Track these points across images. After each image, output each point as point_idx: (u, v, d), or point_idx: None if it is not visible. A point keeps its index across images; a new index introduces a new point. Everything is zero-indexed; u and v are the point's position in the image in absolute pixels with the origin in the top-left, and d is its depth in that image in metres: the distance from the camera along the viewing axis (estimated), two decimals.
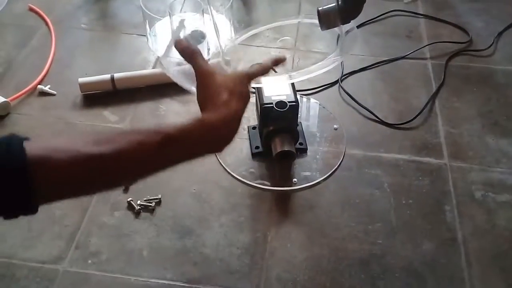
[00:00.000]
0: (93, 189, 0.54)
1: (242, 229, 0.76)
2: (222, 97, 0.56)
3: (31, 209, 0.45)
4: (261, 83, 0.81)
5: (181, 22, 0.79)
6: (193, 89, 0.61)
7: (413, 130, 0.91)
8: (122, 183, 0.58)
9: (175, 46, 0.60)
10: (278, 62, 0.65)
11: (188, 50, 0.59)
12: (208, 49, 1.05)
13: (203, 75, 0.58)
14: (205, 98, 0.58)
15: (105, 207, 0.78)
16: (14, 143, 0.44)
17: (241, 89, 0.58)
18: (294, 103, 0.80)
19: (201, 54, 0.59)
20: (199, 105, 0.58)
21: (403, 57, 1.07)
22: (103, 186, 0.53)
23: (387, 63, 1.06)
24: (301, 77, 0.74)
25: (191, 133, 0.53)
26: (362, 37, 1.13)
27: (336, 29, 0.77)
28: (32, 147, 0.44)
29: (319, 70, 0.72)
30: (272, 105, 0.79)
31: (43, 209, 0.72)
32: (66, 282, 0.70)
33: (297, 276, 0.70)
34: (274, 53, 0.82)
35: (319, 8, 0.74)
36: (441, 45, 1.09)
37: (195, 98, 0.97)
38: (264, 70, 0.63)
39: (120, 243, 0.74)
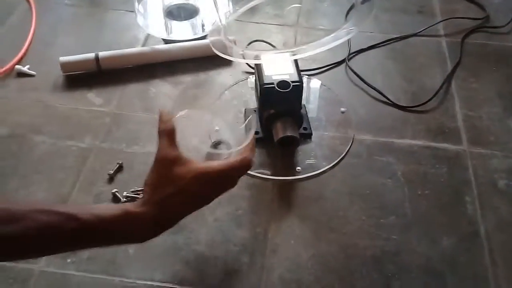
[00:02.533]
0: None
1: (240, 224, 0.68)
2: (164, 191, 0.52)
3: None
4: (261, 60, 0.73)
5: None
6: None
7: (427, 113, 0.83)
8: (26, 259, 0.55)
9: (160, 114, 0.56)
10: (253, 152, 0.60)
11: (163, 123, 0.55)
12: (203, 26, 0.96)
13: (160, 160, 0.53)
14: (147, 184, 0.53)
15: (87, 199, 0.70)
16: None
17: (191, 188, 0.52)
18: (298, 83, 0.71)
19: (171, 136, 0.54)
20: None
21: (415, 34, 0.98)
22: (3, 260, 0.51)
23: (398, 40, 0.97)
24: (310, 52, 0.66)
25: (111, 224, 0.49)
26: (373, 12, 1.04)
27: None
28: None
29: (331, 43, 0.64)
30: (273, 85, 0.71)
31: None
32: (42, 283, 0.62)
33: (301, 276, 0.63)
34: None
35: None
36: (456, 21, 1.01)
37: (187, 79, 0.89)
38: (236, 169, 0.56)
39: None
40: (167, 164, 0.53)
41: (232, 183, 0.58)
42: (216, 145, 0.63)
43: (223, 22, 0.76)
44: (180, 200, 0.52)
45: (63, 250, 0.52)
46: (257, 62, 0.73)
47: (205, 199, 0.55)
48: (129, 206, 0.52)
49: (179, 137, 0.56)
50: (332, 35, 0.62)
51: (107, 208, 0.51)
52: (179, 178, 0.52)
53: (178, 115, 0.60)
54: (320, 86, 0.88)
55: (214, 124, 0.65)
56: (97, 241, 0.51)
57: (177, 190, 0.52)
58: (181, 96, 0.86)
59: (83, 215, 0.48)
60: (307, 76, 0.89)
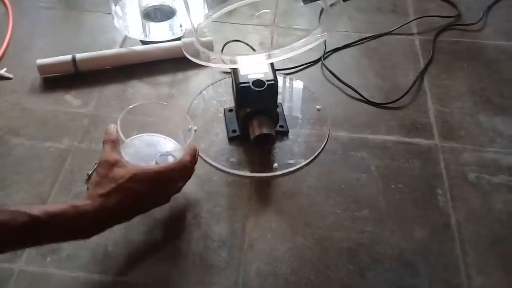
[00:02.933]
0: None
1: (218, 220, 0.69)
2: (105, 187, 0.58)
3: None
4: (237, 63, 0.74)
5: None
6: None
7: (401, 110, 0.85)
8: None
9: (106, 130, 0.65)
10: (194, 156, 0.66)
11: (107, 134, 0.64)
12: (180, 26, 0.97)
13: (102, 163, 0.61)
14: (91, 183, 0.60)
15: (66, 199, 0.71)
16: None
17: (132, 185, 0.58)
18: (272, 82, 0.73)
19: (113, 144, 0.63)
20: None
21: (388, 33, 1.00)
22: None
23: (372, 39, 0.99)
24: (282, 56, 0.67)
25: (61, 218, 0.54)
26: (346, 13, 1.06)
27: (319, 2, 0.71)
28: None
29: (303, 47, 0.66)
30: (248, 84, 0.72)
31: None
32: (23, 282, 0.62)
33: (279, 269, 0.64)
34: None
35: None
36: (429, 20, 1.03)
37: (165, 79, 0.91)
38: (175, 171, 0.62)
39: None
40: (108, 165, 0.60)
41: (174, 187, 0.64)
42: (163, 156, 0.67)
43: (195, 26, 0.77)
44: (120, 197, 0.58)
45: (17, 245, 0.54)
46: (232, 66, 0.74)
47: (145, 198, 0.60)
48: (75, 202, 0.57)
49: (129, 158, 0.62)
50: (303, 39, 0.63)
51: (57, 204, 0.56)
52: (119, 177, 0.58)
53: (128, 139, 0.66)
54: (297, 85, 0.90)
55: (164, 145, 0.69)
56: (47, 235, 0.54)
57: (117, 186, 0.58)
58: (159, 96, 0.87)
59: (33, 210, 0.53)
60: (284, 76, 0.91)
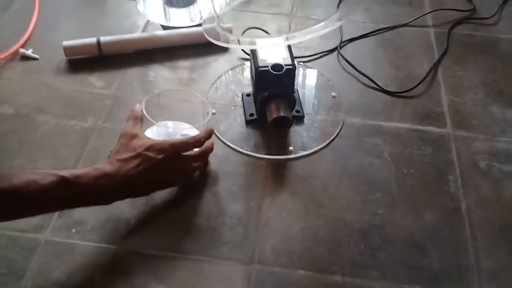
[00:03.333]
0: None
1: (235, 199, 0.72)
2: (125, 154, 0.64)
3: None
4: (256, 46, 0.76)
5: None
6: None
7: (414, 99, 0.87)
8: (17, 217, 0.60)
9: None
10: (210, 135, 0.71)
11: (132, 112, 0.71)
12: (200, 13, 1.00)
13: (123, 134, 0.67)
14: (112, 152, 0.66)
15: None
16: None
17: (148, 153, 0.64)
18: (291, 66, 0.75)
19: (136, 121, 0.69)
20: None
21: (404, 25, 1.02)
22: None
23: (388, 30, 1.01)
24: (300, 38, 0.70)
25: (85, 178, 0.59)
26: (363, 3, 1.08)
27: None
28: None
29: (320, 31, 0.68)
30: (267, 68, 0.74)
31: None
32: (48, 252, 0.65)
33: (293, 247, 0.67)
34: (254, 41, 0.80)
35: None
36: (444, 13, 1.05)
37: (186, 64, 0.96)
38: (189, 144, 0.68)
39: (106, 212, 0.69)
40: (128, 137, 0.66)
41: (189, 164, 0.69)
42: (182, 135, 0.72)
43: (218, 12, 0.79)
44: (138, 162, 0.63)
45: (48, 205, 0.58)
46: (251, 47, 0.76)
47: (161, 168, 0.65)
48: (97, 165, 0.63)
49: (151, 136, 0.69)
50: (321, 23, 0.66)
51: (81, 168, 0.63)
52: (138, 146, 0.64)
53: (155, 123, 0.71)
54: (313, 72, 0.92)
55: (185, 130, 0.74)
56: (73, 196, 0.59)
57: (135, 154, 0.64)
58: (179, 80, 0.89)
59: (61, 172, 0.58)
60: (302, 63, 0.93)
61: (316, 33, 0.70)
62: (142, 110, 0.69)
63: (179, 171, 0.69)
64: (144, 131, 0.71)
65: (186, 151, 0.68)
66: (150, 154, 0.64)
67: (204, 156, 0.72)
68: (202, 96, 0.85)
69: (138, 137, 0.66)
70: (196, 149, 0.70)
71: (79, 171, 0.60)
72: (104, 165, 0.63)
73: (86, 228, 0.68)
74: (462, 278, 0.64)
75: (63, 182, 0.57)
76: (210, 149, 0.72)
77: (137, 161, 0.63)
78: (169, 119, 0.76)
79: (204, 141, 0.70)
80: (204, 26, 0.86)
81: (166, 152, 0.65)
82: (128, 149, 0.65)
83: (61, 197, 0.58)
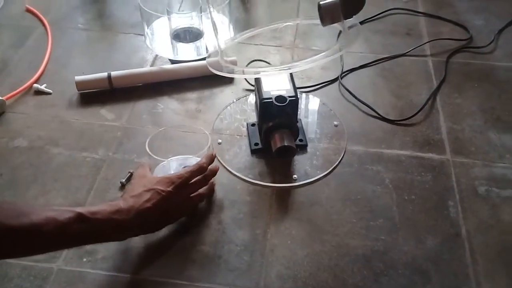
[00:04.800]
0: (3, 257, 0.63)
1: (241, 226, 0.74)
2: (136, 191, 0.67)
3: None
4: (260, 75, 0.80)
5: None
6: None
7: (414, 126, 0.90)
8: (36, 253, 0.64)
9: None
10: (212, 160, 0.75)
11: (140, 163, 0.78)
12: (206, 48, 1.04)
13: (134, 177, 0.73)
14: (125, 191, 0.72)
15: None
16: None
17: (158, 187, 0.67)
18: (294, 98, 0.78)
19: (144, 165, 0.76)
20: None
21: (403, 54, 1.06)
22: (15, 255, 0.62)
23: (387, 60, 1.05)
24: (303, 67, 0.73)
25: (101, 214, 0.62)
26: (362, 35, 1.12)
27: (337, 25, 0.76)
28: None
29: (321, 60, 0.72)
30: (271, 99, 0.78)
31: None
32: (61, 280, 0.68)
33: (298, 272, 0.69)
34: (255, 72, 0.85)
35: (321, 3, 0.72)
36: (442, 42, 1.09)
37: (193, 96, 1.00)
38: (194, 171, 0.71)
39: (116, 242, 0.72)
40: (139, 177, 0.72)
41: (194, 191, 0.73)
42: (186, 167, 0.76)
43: (222, 46, 0.83)
44: (149, 197, 0.66)
45: (65, 241, 0.61)
46: (254, 76, 0.80)
47: (170, 200, 0.68)
48: (111, 202, 0.66)
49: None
50: (322, 54, 0.69)
51: (96, 205, 0.64)
52: (147, 182, 0.69)
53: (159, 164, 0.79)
54: (316, 102, 0.95)
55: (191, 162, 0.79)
56: (91, 231, 0.61)
57: (147, 189, 0.67)
58: (187, 111, 0.93)
59: (77, 208, 0.61)
60: (304, 93, 0.96)
61: (316, 63, 0.74)
62: (147, 149, 0.76)
63: (189, 200, 0.72)
64: (153, 171, 0.76)
65: (192, 178, 0.71)
66: (160, 187, 0.68)
67: (207, 179, 0.74)
68: (209, 126, 0.88)
69: (147, 176, 0.72)
70: None
71: (94, 208, 0.63)
72: (118, 202, 0.66)
73: (97, 257, 0.70)
74: None
75: (80, 218, 0.60)
76: (214, 172, 0.75)
77: (148, 195, 0.67)
78: (177, 151, 0.80)
79: (207, 166, 0.74)
80: (208, 60, 0.90)
81: (174, 183, 0.69)
82: (139, 185, 0.69)
83: (78, 233, 0.60)
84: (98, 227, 0.62)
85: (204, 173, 0.73)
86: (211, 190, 0.77)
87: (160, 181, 0.69)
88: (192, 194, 0.72)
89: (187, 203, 0.72)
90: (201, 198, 0.75)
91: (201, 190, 0.74)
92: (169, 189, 0.68)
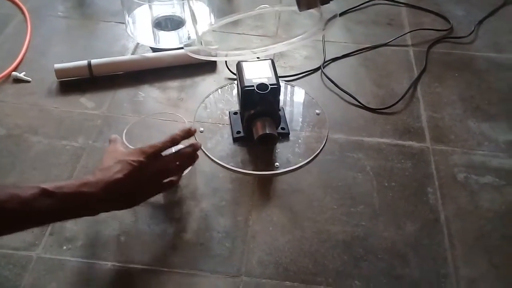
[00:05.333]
0: None
1: (223, 214, 0.74)
2: (106, 164, 0.64)
3: None
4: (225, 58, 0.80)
5: None
6: None
7: (395, 115, 0.91)
8: (4, 233, 0.60)
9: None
10: (189, 134, 0.70)
11: (111, 138, 0.72)
12: (188, 35, 1.03)
13: (106, 152, 0.69)
14: (96, 167, 0.66)
15: None
16: None
17: (129, 158, 0.64)
18: (275, 86, 0.78)
19: (114, 141, 0.71)
20: None
21: (385, 44, 1.06)
22: None
23: (369, 50, 1.05)
24: (280, 48, 0.73)
25: (67, 187, 0.59)
26: (344, 25, 1.12)
27: (314, 11, 0.76)
28: None
29: (299, 42, 0.72)
30: (253, 87, 0.78)
31: None
32: (40, 268, 0.67)
33: (279, 258, 0.69)
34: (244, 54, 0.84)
35: None
36: (423, 33, 1.10)
37: (174, 84, 0.99)
38: (166, 142, 0.68)
39: (97, 229, 0.71)
40: (110, 152, 0.68)
41: (172, 163, 0.69)
42: None
43: (199, 33, 0.83)
44: (119, 169, 0.63)
45: (30, 218, 0.58)
46: (231, 58, 0.80)
47: (143, 171, 0.65)
48: (82, 178, 0.63)
49: None
50: (298, 36, 0.69)
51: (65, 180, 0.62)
52: (119, 155, 0.66)
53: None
54: (298, 91, 0.95)
55: None
56: (56, 206, 0.58)
57: (117, 161, 0.64)
58: (168, 100, 0.92)
59: (43, 184, 0.58)
60: (286, 82, 0.96)
61: (293, 45, 0.74)
62: (123, 139, 0.73)
63: (162, 172, 0.68)
64: None
65: (164, 149, 0.68)
66: (131, 158, 0.64)
67: (183, 155, 0.70)
68: (191, 115, 0.88)
69: (119, 150, 0.68)
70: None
71: (61, 182, 0.60)
72: (87, 176, 0.63)
73: (76, 245, 0.70)
74: (442, 286, 0.67)
75: (45, 193, 0.57)
76: (194, 148, 0.71)
77: (119, 166, 0.63)
78: (157, 140, 0.78)
79: (180, 139, 0.69)
80: (187, 47, 0.89)
81: (146, 153, 0.65)
82: (110, 159, 0.65)
83: (44, 209, 0.58)
84: (64, 202, 0.59)
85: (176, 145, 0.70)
86: (191, 160, 0.72)
87: (132, 152, 0.66)
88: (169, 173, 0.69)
89: (161, 176, 0.68)
90: (176, 171, 0.71)
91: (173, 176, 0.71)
92: (141, 158, 0.64)
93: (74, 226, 0.72)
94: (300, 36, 0.70)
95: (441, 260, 0.69)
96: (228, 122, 0.88)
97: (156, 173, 0.67)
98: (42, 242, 0.70)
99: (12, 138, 0.84)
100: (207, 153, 0.82)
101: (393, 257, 0.70)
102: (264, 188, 0.78)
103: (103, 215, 0.72)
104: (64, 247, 0.69)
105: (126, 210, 0.72)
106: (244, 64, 0.82)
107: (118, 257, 0.68)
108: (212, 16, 1.03)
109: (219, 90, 0.95)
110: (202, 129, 0.86)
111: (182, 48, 0.99)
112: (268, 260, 0.69)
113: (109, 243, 0.70)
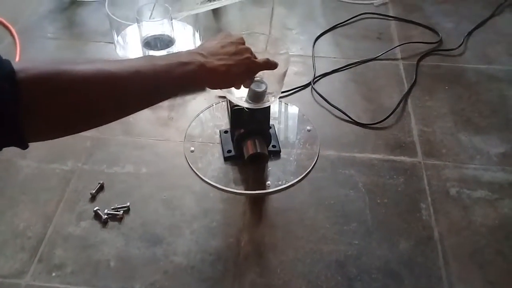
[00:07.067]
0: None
1: (214, 235, 0.73)
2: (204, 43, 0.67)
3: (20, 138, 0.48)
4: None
5: None
6: None
7: (386, 130, 0.90)
8: (116, 113, 0.60)
9: None
10: (272, 64, 0.70)
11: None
12: None
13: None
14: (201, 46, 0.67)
15: (70, 217, 0.75)
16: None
17: (220, 39, 0.67)
18: None
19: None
20: None
21: (374, 59, 1.06)
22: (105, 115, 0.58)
23: (359, 64, 1.05)
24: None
25: (178, 57, 0.60)
26: (333, 39, 1.12)
27: None
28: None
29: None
30: (242, 106, 0.77)
31: (4, 221, 0.70)
32: None
33: (271, 280, 0.68)
34: None
35: None
36: (412, 46, 1.10)
37: (165, 103, 0.98)
38: (265, 65, 0.69)
39: (86, 254, 0.70)
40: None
41: (246, 50, 0.68)
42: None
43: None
44: (215, 43, 0.66)
45: (149, 91, 0.59)
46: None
47: (229, 47, 0.66)
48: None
49: None
50: None
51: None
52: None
53: None
54: (288, 108, 0.95)
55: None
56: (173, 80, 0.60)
57: (211, 39, 0.67)
58: (158, 119, 0.92)
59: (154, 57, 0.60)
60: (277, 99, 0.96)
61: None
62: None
63: (240, 51, 0.66)
64: None
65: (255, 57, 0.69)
66: (206, 42, 0.67)
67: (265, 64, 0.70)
68: (181, 134, 0.88)
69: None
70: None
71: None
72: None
73: (66, 272, 0.69)
74: None
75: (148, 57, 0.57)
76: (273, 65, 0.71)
77: (213, 42, 0.66)
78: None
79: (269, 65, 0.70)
80: None
81: (230, 36, 0.68)
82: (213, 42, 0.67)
83: (147, 82, 0.57)
84: (178, 73, 0.59)
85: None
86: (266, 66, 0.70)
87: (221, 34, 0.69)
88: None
89: (238, 55, 0.66)
90: (251, 59, 0.68)
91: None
92: (227, 39, 0.67)
93: (63, 252, 0.71)
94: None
95: (436, 278, 0.69)
96: (219, 141, 0.87)
97: (236, 52, 0.66)
98: (31, 269, 0.69)
99: (1, 163, 0.83)
100: (197, 173, 0.81)
101: (387, 276, 0.69)
102: (255, 208, 0.78)
103: (92, 240, 0.72)
104: (53, 274, 0.68)
105: (116, 234, 0.72)
106: None
107: (108, 282, 0.67)
108: (197, 35, 1.03)
109: (210, 109, 0.94)
110: (192, 148, 0.86)
111: None
112: (260, 282, 0.68)
113: (99, 269, 0.69)
